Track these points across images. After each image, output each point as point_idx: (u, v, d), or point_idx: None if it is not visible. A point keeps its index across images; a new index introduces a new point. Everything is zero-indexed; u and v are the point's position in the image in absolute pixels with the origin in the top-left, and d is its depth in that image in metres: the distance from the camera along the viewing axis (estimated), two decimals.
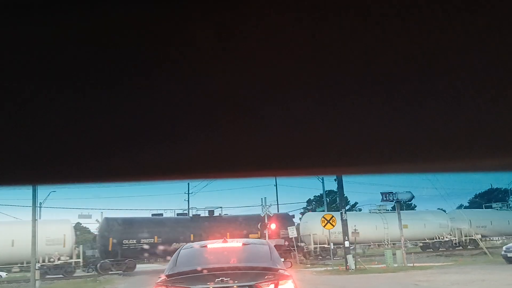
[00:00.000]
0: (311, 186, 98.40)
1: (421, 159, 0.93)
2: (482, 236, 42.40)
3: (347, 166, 0.95)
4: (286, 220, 37.76)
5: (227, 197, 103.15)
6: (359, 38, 0.83)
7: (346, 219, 27.08)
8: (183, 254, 6.66)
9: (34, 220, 26.29)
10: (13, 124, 0.86)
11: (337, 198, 36.30)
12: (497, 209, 45.90)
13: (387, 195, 29.55)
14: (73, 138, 0.87)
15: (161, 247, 32.75)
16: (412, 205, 61.97)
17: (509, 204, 49.13)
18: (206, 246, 7.05)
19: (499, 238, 45.67)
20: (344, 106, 0.87)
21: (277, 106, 0.86)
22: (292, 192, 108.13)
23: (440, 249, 39.82)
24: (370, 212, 42.24)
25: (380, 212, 40.32)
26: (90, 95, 0.85)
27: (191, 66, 0.84)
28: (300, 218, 42.50)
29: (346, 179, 37.93)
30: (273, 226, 33.73)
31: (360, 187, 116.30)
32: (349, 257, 25.19)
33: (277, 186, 51.46)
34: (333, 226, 27.53)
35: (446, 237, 41.61)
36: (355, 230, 30.04)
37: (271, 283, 5.73)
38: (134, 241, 32.20)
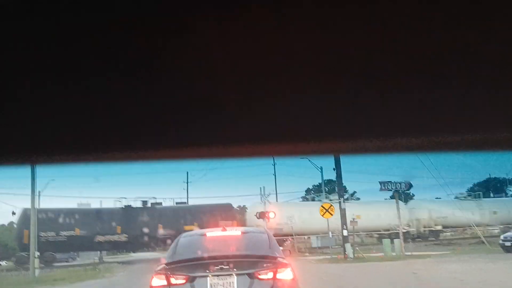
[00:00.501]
0: (310, 175, 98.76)
1: (419, 137, 0.92)
2: (443, 227, 41.51)
3: (346, 143, 0.93)
4: (226, 212, 36.83)
5: (225, 187, 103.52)
6: (362, 6, 0.81)
7: (345, 208, 27.16)
8: (182, 242, 6.67)
9: (34, 208, 26.31)
10: (12, 102, 0.84)
11: (336, 188, 36.29)
12: (461, 199, 44.42)
13: (386, 184, 29.46)
14: (73, 114, 0.85)
15: (83, 240, 31.66)
16: (410, 194, 62.22)
17: (479, 194, 48.12)
18: (205, 235, 7.06)
19: (497, 228, 45.45)
20: (343, 81, 0.86)
21: (277, 80, 0.85)
22: (291, 182, 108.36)
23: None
24: (322, 201, 40.39)
25: (332, 202, 39.47)
26: (92, 71, 0.83)
27: (192, 38, 0.82)
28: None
29: (345, 168, 37.52)
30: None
31: (359, 177, 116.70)
32: (348, 246, 25.32)
33: (276, 175, 51.59)
34: (332, 215, 27.55)
35: (404, 229, 39.97)
36: (353, 219, 30.09)
37: (270, 271, 5.75)
38: (53, 234, 30.96)
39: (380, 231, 39.52)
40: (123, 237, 32.89)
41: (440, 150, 1.00)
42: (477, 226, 46.27)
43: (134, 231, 32.89)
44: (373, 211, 38.70)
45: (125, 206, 34.65)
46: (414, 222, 40.46)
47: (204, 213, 35.53)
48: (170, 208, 36.47)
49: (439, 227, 41.24)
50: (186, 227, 33.52)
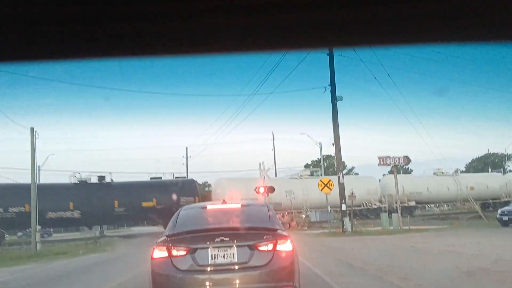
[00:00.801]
0: (309, 150, 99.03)
1: (418, 27, 0.90)
2: (416, 203, 40.37)
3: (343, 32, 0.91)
4: (188, 187, 36.13)
5: (225, 162, 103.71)
6: None
7: (344, 183, 27.27)
8: (183, 215, 6.72)
9: (34, 183, 26.41)
10: None
11: (335, 163, 36.28)
12: (438, 175, 43.69)
13: (384, 159, 29.27)
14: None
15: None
16: (409, 169, 62.51)
17: (457, 170, 46.93)
18: (205, 207, 7.11)
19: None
20: None
21: None
22: (290, 157, 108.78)
23: (370, 217, 36.72)
24: (290, 178, 40.43)
25: (302, 178, 38.85)
26: None
27: None
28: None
29: (343, 142, 37.28)
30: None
31: (357, 152, 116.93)
32: (346, 220, 25.53)
33: (275, 150, 51.72)
34: (331, 189, 27.69)
35: (375, 204, 38.78)
36: (352, 193, 30.14)
37: (269, 243, 5.81)
38: (1, 210, 30.17)
39: (350, 207, 38.40)
40: (76, 214, 31.97)
41: (444, 41, 0.98)
42: (452, 202, 45.71)
43: (87, 207, 31.93)
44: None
45: (79, 181, 33.70)
46: (386, 198, 38.97)
47: (165, 189, 34.83)
48: (128, 184, 35.64)
49: (412, 203, 40.26)
50: (144, 204, 33.03)
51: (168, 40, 0.85)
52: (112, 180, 34.98)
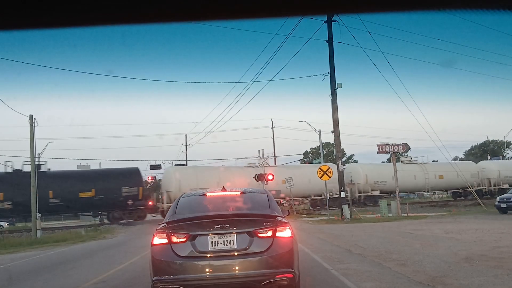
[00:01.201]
0: (308, 138, 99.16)
1: None
2: (381, 193, 39.30)
3: None
4: (131, 177, 34.84)
5: (224, 149, 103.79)
6: None
7: (343, 171, 27.32)
8: (183, 202, 6.74)
9: (34, 170, 26.41)
10: None
11: (334, 150, 36.20)
12: (404, 163, 42.34)
13: (383, 146, 29.23)
14: None
15: None
16: (409, 157, 62.49)
17: (425, 157, 45.81)
18: (205, 195, 7.13)
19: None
20: None
21: None
22: (289, 144, 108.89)
23: (332, 208, 34.24)
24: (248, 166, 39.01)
25: (265, 166, 37.16)
26: None
27: None
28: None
29: (342, 130, 37.18)
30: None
31: (357, 139, 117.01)
32: (345, 207, 25.62)
33: (274, 138, 51.69)
34: (330, 177, 27.75)
35: (336, 194, 35.60)
36: (351, 181, 30.28)
37: (269, 230, 5.84)
38: None
39: (311, 196, 37.54)
40: (6, 205, 30.79)
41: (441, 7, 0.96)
42: (419, 191, 44.68)
43: (20, 197, 30.13)
44: (303, 176, 36.51)
45: (13, 170, 32.48)
46: (348, 187, 37.77)
47: (105, 178, 33.93)
48: (65, 173, 34.56)
49: (376, 192, 39.47)
50: (82, 194, 32.12)
51: (165, 5, 0.83)
52: (49, 169, 33.77)
